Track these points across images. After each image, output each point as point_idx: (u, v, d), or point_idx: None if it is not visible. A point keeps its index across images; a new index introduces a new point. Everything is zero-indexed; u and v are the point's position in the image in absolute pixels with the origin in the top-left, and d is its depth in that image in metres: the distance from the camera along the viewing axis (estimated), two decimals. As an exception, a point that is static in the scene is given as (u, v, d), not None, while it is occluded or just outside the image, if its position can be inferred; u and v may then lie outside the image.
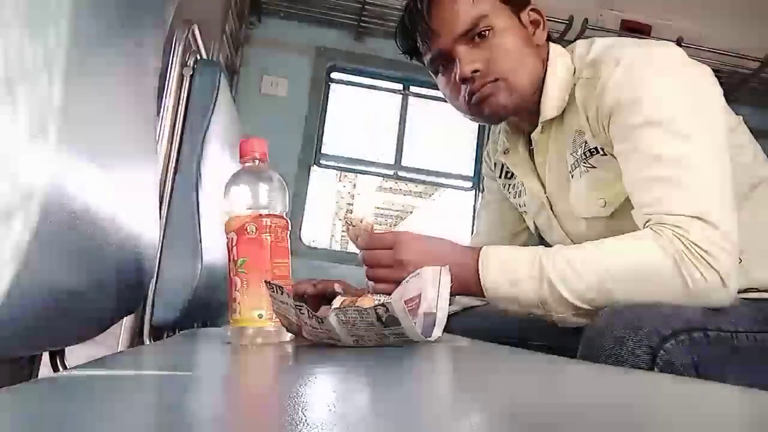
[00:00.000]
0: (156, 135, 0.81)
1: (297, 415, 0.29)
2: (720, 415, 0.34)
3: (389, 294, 0.78)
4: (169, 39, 1.11)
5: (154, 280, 1.04)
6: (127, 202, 0.62)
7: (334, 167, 3.13)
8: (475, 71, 0.86)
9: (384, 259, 0.81)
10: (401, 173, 3.16)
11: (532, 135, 0.94)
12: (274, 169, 0.75)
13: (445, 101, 0.98)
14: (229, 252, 0.71)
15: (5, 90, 0.36)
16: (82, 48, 0.43)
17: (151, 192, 0.77)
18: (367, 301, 0.67)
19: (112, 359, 0.53)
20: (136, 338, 1.05)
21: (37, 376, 0.67)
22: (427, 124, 3.21)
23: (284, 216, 0.73)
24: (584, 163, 0.87)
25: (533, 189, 1.00)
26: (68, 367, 0.62)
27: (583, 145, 0.87)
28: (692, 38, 2.70)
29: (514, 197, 1.10)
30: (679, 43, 2.53)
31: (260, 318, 0.68)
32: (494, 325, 1.08)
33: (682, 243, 0.71)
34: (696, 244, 0.70)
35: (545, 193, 0.98)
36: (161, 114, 1.09)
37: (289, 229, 0.74)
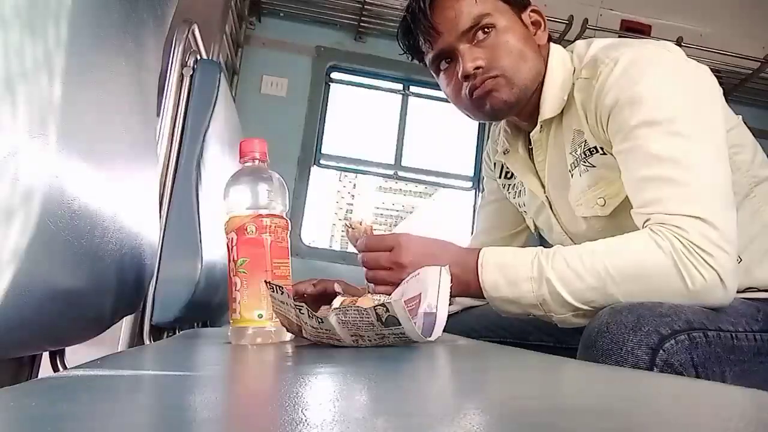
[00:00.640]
0: (156, 135, 0.81)
1: (297, 415, 0.29)
2: (720, 416, 0.34)
3: (389, 295, 0.78)
4: (169, 39, 1.11)
5: (154, 280, 1.04)
6: (127, 202, 0.62)
7: (334, 167, 3.12)
8: (478, 68, 0.87)
9: (383, 260, 0.81)
10: (401, 173, 3.16)
11: (531, 134, 0.94)
12: (274, 169, 0.75)
13: (446, 101, 0.98)
14: (229, 252, 0.71)
15: (6, 89, 0.36)
16: (82, 48, 0.43)
17: (151, 192, 0.77)
18: (367, 301, 0.66)
19: (112, 359, 0.53)
20: (136, 338, 1.05)
21: (37, 376, 0.68)
22: (427, 124, 3.21)
23: (284, 216, 0.73)
24: (584, 162, 0.88)
25: (533, 188, 1.00)
26: (68, 367, 0.62)
27: (583, 144, 0.87)
28: (692, 38, 2.70)
29: (514, 197, 1.10)
30: (679, 43, 2.53)
31: (260, 318, 0.68)
32: (494, 325, 1.08)
33: (681, 243, 0.71)
34: (695, 244, 0.70)
35: (545, 192, 0.99)
36: (161, 114, 1.09)
37: (289, 229, 0.74)
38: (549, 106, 0.89)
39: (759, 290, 0.82)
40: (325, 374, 0.48)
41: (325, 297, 0.93)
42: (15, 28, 0.36)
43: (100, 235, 0.51)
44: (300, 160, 2.91)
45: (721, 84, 0.83)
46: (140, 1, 0.61)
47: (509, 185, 1.11)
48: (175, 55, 1.13)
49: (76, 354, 0.63)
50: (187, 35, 1.15)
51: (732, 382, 0.69)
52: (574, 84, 0.87)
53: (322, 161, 3.04)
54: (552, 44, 0.93)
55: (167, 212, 1.10)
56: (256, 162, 0.74)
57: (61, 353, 0.65)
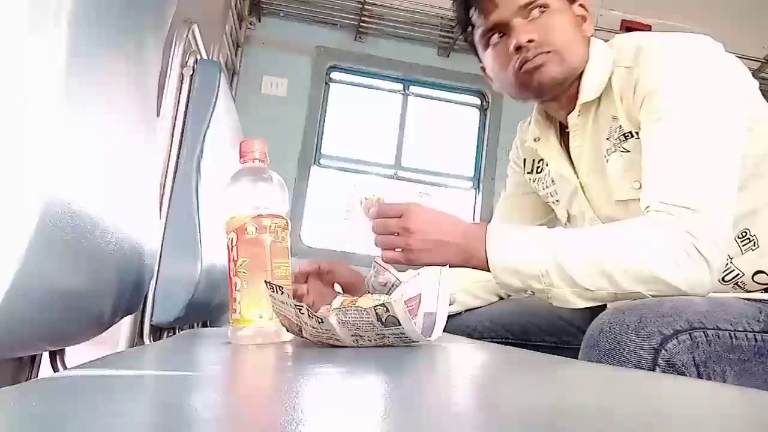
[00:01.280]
0: (156, 135, 0.81)
1: (297, 415, 0.29)
2: (721, 415, 0.34)
3: (396, 261, 0.84)
4: (169, 39, 1.11)
5: (154, 280, 1.04)
6: (127, 202, 0.62)
7: (334, 167, 3.13)
8: (530, 41, 0.89)
9: (392, 226, 0.84)
10: (401, 173, 3.16)
11: (569, 117, 0.96)
12: (273, 169, 0.75)
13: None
14: (229, 252, 0.71)
15: (5, 89, 0.36)
16: (82, 48, 0.43)
17: (151, 192, 0.77)
18: (367, 301, 0.66)
19: (112, 359, 0.53)
20: (136, 338, 1.05)
21: (37, 376, 0.68)
22: (427, 124, 3.21)
23: (284, 216, 0.73)
24: (619, 147, 0.91)
25: (566, 174, 1.01)
26: (68, 367, 0.62)
27: (618, 129, 0.91)
28: (692, 38, 2.70)
29: (544, 188, 1.11)
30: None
31: (260, 318, 0.68)
32: (495, 325, 1.09)
33: (674, 227, 0.74)
34: (686, 230, 0.74)
35: (578, 178, 0.99)
36: (161, 114, 1.09)
37: (289, 229, 0.74)
38: (588, 90, 0.92)
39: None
40: (325, 374, 0.48)
41: (326, 278, 1.01)
42: (15, 27, 0.36)
43: (100, 235, 0.51)
44: (300, 160, 2.91)
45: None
46: (140, 1, 0.61)
47: (538, 179, 1.12)
48: (175, 55, 1.13)
49: (76, 354, 0.63)
50: (187, 35, 1.15)
51: (732, 382, 0.69)
52: (612, 72, 0.90)
53: (322, 161, 3.04)
54: (593, 38, 0.96)
55: (167, 212, 1.10)
56: (256, 162, 0.74)
57: (61, 353, 0.65)
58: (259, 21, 2.92)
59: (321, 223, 3.03)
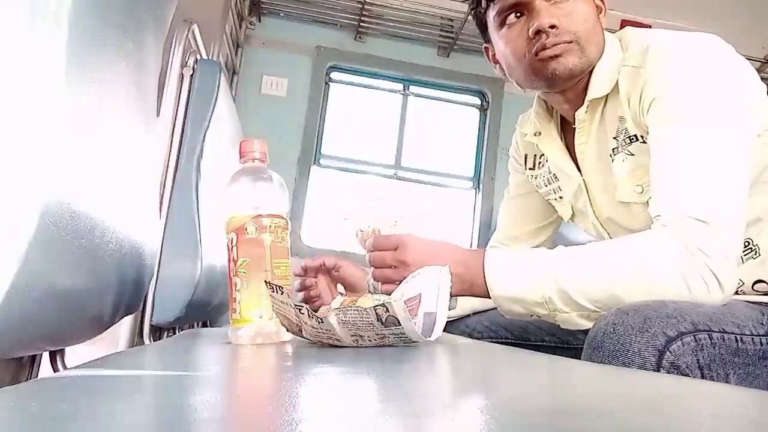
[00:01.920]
0: (156, 135, 0.81)
1: (297, 415, 0.29)
2: (724, 417, 0.34)
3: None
4: (169, 39, 1.11)
5: (154, 280, 1.04)
6: (127, 202, 0.62)
7: (334, 167, 3.13)
8: (552, 26, 0.85)
9: (388, 259, 0.83)
10: (401, 173, 3.16)
11: (576, 113, 0.93)
12: (273, 169, 0.75)
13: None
14: (229, 252, 0.71)
15: (5, 89, 0.36)
16: (82, 48, 0.43)
17: (151, 192, 0.77)
18: (367, 301, 0.66)
19: (112, 359, 0.53)
20: (136, 338, 1.05)
21: (37, 376, 0.67)
22: (427, 124, 3.21)
23: (284, 216, 0.73)
24: (624, 150, 0.89)
25: (567, 170, 0.99)
26: (68, 367, 0.62)
27: (624, 131, 0.89)
28: (692, 38, 2.70)
29: (545, 185, 1.09)
30: (679, 43, 2.52)
31: (260, 318, 0.68)
32: (495, 325, 1.08)
33: (685, 244, 0.72)
34: (698, 247, 0.72)
35: (581, 176, 0.98)
36: (161, 114, 1.09)
37: (289, 229, 0.74)
38: (598, 86, 0.89)
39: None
40: (325, 374, 0.48)
41: (333, 274, 1.02)
42: (15, 27, 0.36)
43: (100, 235, 0.51)
44: (300, 160, 2.91)
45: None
46: (140, 1, 0.61)
47: (538, 175, 1.10)
48: (175, 55, 1.13)
49: (76, 354, 0.63)
50: (187, 35, 1.15)
51: (736, 384, 0.69)
52: (619, 71, 0.88)
53: (322, 161, 3.04)
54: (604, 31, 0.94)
55: (167, 212, 1.10)
56: (256, 162, 0.74)
57: (61, 353, 0.65)
58: (259, 21, 2.92)
59: (321, 223, 3.02)
